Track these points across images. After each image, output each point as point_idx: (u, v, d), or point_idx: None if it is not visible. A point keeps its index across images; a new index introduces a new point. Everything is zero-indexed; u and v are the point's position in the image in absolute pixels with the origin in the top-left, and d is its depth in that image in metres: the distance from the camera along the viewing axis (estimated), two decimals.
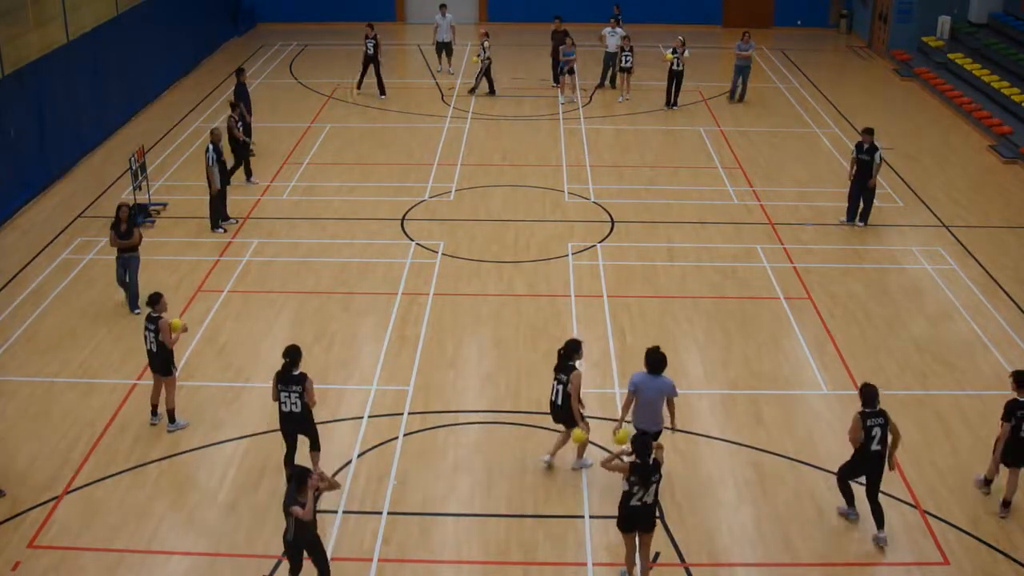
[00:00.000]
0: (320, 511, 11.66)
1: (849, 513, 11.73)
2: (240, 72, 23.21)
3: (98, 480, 12.28)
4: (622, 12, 30.25)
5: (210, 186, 18.66)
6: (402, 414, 13.56)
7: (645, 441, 10.22)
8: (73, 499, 11.97)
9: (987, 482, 12.15)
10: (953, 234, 19.20)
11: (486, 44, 27.12)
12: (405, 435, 13.13)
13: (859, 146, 19.02)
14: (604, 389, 14.15)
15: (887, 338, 15.54)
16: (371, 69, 27.43)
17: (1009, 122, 24.53)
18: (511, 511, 11.80)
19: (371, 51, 27.16)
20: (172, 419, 13.21)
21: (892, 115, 26.65)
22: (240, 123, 20.84)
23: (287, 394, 11.64)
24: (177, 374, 13.38)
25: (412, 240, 18.68)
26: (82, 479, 12.30)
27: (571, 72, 27.18)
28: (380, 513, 11.71)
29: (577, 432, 12.02)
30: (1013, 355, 15.07)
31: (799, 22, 36.18)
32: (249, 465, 12.55)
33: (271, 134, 24.11)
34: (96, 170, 22.21)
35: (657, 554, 11.08)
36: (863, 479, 11.37)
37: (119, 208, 15.87)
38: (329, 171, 22.16)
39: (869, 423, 11.21)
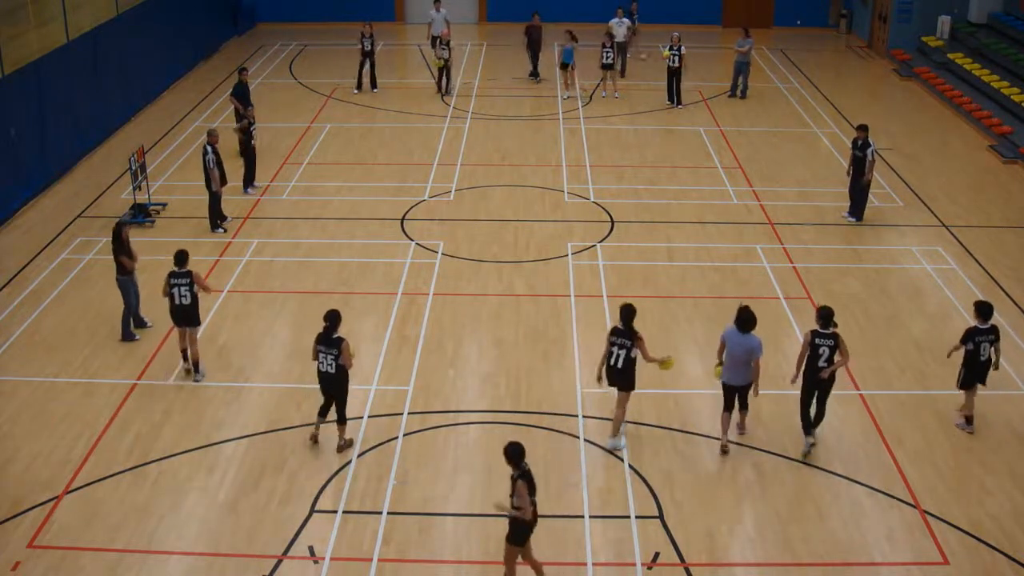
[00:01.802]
0: (320, 511, 11.70)
1: (806, 443, 12.65)
2: (242, 71, 23.23)
3: (98, 480, 12.28)
4: (637, 11, 30.48)
5: (210, 187, 18.66)
6: (402, 414, 13.56)
7: (516, 450, 10.05)
8: (73, 499, 11.97)
9: (968, 420, 13.21)
10: (953, 234, 19.20)
11: (448, 44, 27.40)
12: (405, 435, 13.13)
13: (855, 142, 19.14)
14: (604, 389, 14.13)
15: (887, 338, 15.54)
16: (366, 66, 27.56)
17: (1009, 122, 24.53)
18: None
19: (368, 48, 27.30)
20: (198, 369, 14.24)
21: (892, 115, 26.67)
22: (252, 125, 20.92)
23: (324, 355, 12.28)
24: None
25: (412, 240, 18.68)
26: (82, 479, 12.30)
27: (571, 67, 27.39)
28: (380, 513, 11.71)
29: (666, 361, 12.68)
30: (1013, 355, 15.07)
31: (799, 22, 36.19)
32: (249, 465, 12.55)
33: (271, 134, 24.11)
34: (96, 170, 22.21)
35: (657, 554, 11.09)
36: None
37: (125, 227, 15.21)
38: (329, 171, 22.16)
39: (818, 342, 12.31)
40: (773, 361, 14.85)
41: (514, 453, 10.05)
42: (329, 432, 12.82)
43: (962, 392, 13.20)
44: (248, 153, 20.80)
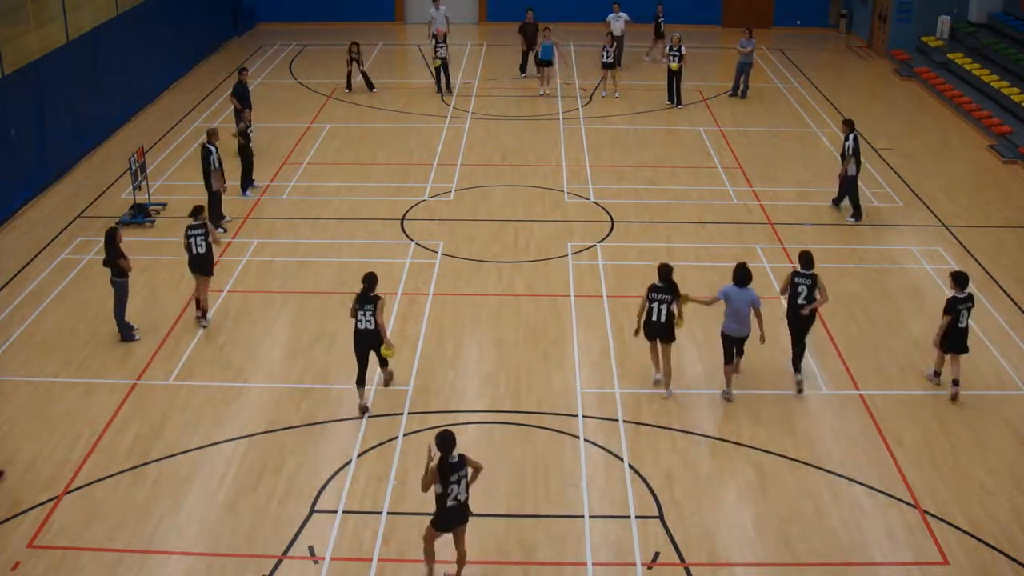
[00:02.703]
0: (320, 511, 11.70)
1: (795, 379, 14.01)
2: (242, 71, 23.21)
3: (98, 480, 12.29)
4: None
5: (210, 187, 18.66)
6: (402, 414, 13.56)
7: (447, 437, 10.01)
8: (73, 499, 11.97)
9: (937, 375, 14.18)
10: (953, 234, 19.20)
11: (445, 42, 27.47)
12: (405, 435, 13.13)
13: (845, 138, 19.46)
14: (604, 389, 14.14)
15: (887, 338, 15.54)
16: (358, 74, 27.82)
17: (1009, 122, 24.53)
18: (511, 511, 11.80)
19: (356, 58, 27.63)
20: (206, 316, 15.61)
21: (892, 115, 26.66)
22: (249, 127, 20.92)
23: (363, 312, 13.09)
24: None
25: (412, 240, 18.68)
26: (82, 479, 12.30)
27: (549, 64, 27.53)
28: (380, 513, 11.71)
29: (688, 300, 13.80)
30: (1013, 355, 15.07)
31: (799, 22, 36.18)
32: (249, 465, 12.55)
33: (271, 134, 24.12)
34: (96, 170, 22.21)
35: (657, 554, 11.09)
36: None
37: (119, 231, 15.23)
38: (329, 171, 22.16)
39: (797, 280, 13.79)
40: (773, 359, 14.86)
41: (440, 442, 10.03)
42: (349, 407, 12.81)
43: (936, 351, 14.08)
44: (246, 155, 20.80)
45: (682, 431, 13.23)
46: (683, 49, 26.30)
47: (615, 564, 10.99)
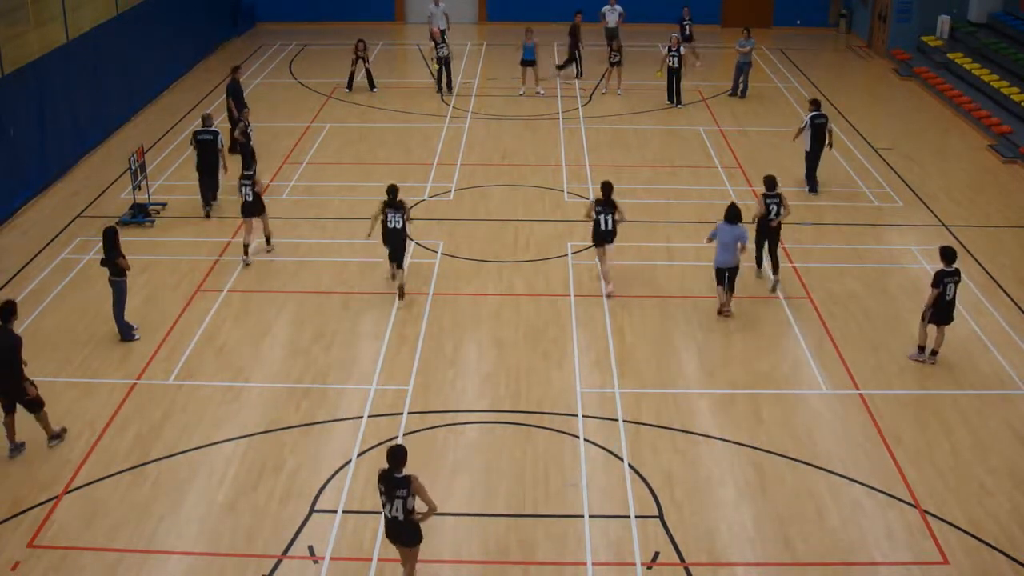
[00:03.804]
0: (320, 511, 11.70)
1: (757, 273, 17.09)
2: (235, 69, 23.13)
3: (98, 480, 12.29)
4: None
5: (225, 169, 19.73)
6: (402, 414, 13.56)
7: (397, 452, 9.85)
8: (73, 499, 11.97)
9: (921, 350, 14.78)
10: (953, 234, 19.20)
11: (445, 42, 27.54)
12: (405, 435, 13.13)
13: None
14: (604, 389, 14.14)
15: (887, 338, 15.54)
16: (361, 70, 27.75)
17: (1009, 122, 24.52)
18: (511, 511, 11.80)
19: (362, 56, 27.66)
20: (269, 241, 18.18)
21: (892, 115, 26.67)
22: (248, 126, 20.95)
23: (393, 215, 16.09)
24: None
25: (411, 240, 18.67)
26: (82, 479, 12.30)
27: (532, 64, 27.60)
28: (380, 513, 11.69)
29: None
30: (1013, 355, 15.07)
31: (799, 22, 36.18)
32: (249, 465, 12.55)
33: (271, 134, 24.11)
34: (96, 170, 22.21)
35: (657, 554, 11.10)
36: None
37: (116, 232, 15.23)
38: (329, 171, 22.16)
39: (767, 201, 16.52)
40: (772, 361, 14.87)
41: (390, 454, 9.88)
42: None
43: (921, 325, 14.74)
44: (245, 154, 20.77)
45: (682, 431, 13.24)
46: (682, 50, 26.34)
47: (615, 564, 11.00)
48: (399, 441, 12.91)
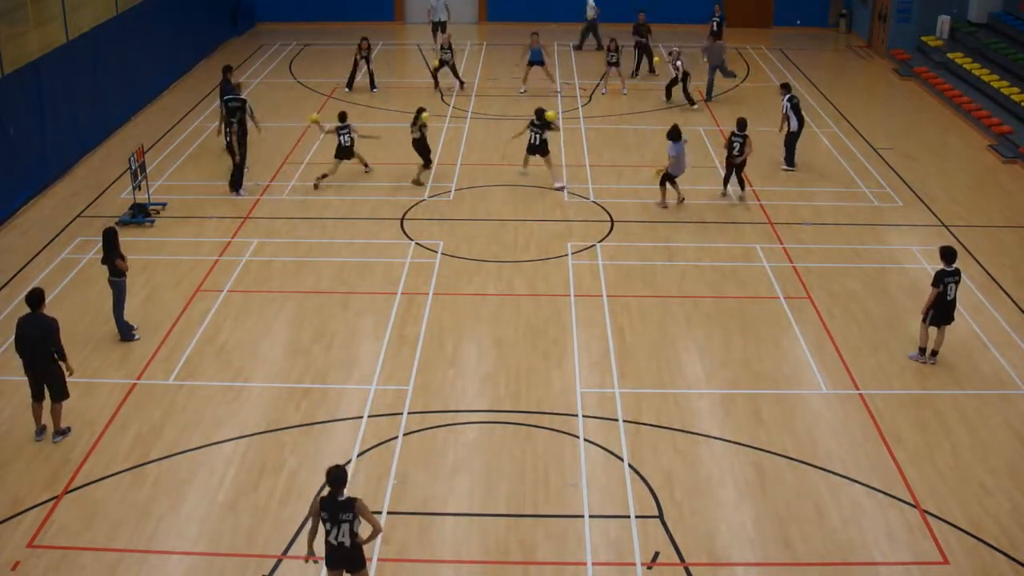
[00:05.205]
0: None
1: (722, 192, 20.32)
2: (227, 69, 22.96)
3: (98, 480, 12.29)
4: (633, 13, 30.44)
5: (241, 148, 20.56)
6: (402, 414, 13.56)
7: (339, 474, 9.57)
8: (73, 499, 11.97)
9: (922, 352, 14.78)
10: (953, 234, 19.20)
11: (449, 47, 27.66)
12: (405, 435, 13.13)
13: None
14: (604, 389, 14.14)
15: (887, 338, 15.54)
16: (363, 69, 27.75)
17: (1009, 122, 24.52)
18: (511, 511, 11.80)
19: (365, 55, 27.71)
20: (367, 165, 21.66)
21: (892, 115, 26.67)
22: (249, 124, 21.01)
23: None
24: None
25: (411, 240, 18.68)
26: (82, 479, 12.30)
27: (541, 64, 27.64)
28: (380, 513, 11.71)
29: (550, 113, 21.10)
30: (1013, 355, 15.08)
31: (799, 22, 36.17)
32: (249, 465, 12.55)
33: (271, 134, 24.10)
34: (96, 170, 22.21)
35: (657, 554, 11.10)
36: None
37: (116, 232, 15.21)
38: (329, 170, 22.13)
39: (733, 139, 19.73)
40: (772, 361, 14.87)
41: (330, 477, 9.61)
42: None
43: (922, 326, 14.75)
44: (241, 155, 20.75)
45: (682, 431, 13.24)
46: (680, 61, 26.26)
47: (615, 564, 11.00)
48: (402, 439, 12.94)
